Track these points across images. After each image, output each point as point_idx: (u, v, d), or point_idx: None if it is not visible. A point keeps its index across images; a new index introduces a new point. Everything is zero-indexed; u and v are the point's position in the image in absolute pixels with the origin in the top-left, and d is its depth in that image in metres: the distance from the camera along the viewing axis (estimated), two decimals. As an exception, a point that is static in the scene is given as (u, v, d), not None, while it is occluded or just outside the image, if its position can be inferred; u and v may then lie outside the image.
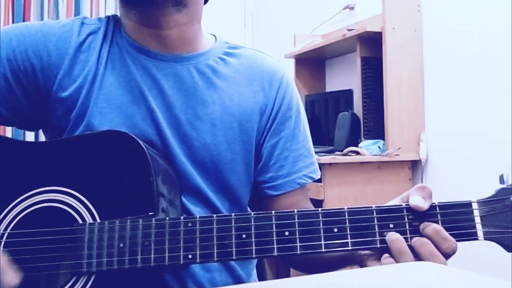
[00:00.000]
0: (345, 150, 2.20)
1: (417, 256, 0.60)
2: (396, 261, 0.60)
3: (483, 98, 1.95)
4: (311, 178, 0.86)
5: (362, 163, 2.12)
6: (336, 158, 2.08)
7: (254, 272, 0.90)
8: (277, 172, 0.83)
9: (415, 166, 2.23)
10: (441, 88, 2.15)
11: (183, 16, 0.77)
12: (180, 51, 0.79)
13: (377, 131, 2.27)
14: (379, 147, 2.20)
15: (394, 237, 0.61)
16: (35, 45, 0.75)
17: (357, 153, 2.15)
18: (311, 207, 0.88)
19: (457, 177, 2.06)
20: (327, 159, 2.05)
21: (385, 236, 0.61)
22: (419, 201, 0.61)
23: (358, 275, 0.47)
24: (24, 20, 2.73)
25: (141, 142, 0.67)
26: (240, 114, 0.81)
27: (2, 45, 0.74)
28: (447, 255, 0.60)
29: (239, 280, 0.82)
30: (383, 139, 2.21)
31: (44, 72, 0.75)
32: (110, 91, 0.75)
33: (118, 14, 0.84)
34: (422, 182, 2.18)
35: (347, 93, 2.49)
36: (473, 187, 1.97)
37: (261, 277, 0.98)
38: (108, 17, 0.82)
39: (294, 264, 0.89)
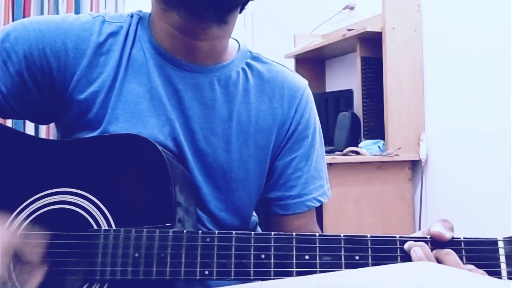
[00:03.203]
0: (345, 150, 2.20)
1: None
2: None
3: (483, 98, 1.95)
4: (319, 201, 0.83)
5: (362, 163, 2.12)
6: (336, 158, 2.08)
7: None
8: (287, 192, 0.81)
9: (415, 166, 2.23)
10: (441, 88, 2.15)
11: (220, 31, 0.74)
12: (205, 63, 0.77)
13: (377, 131, 2.27)
14: (379, 147, 2.20)
15: (417, 248, 0.60)
16: (53, 44, 0.72)
17: (357, 153, 2.15)
18: (318, 231, 0.86)
19: (457, 177, 2.06)
20: (327, 159, 2.04)
21: None
22: (440, 228, 0.60)
23: (358, 275, 0.46)
24: (24, 20, 2.73)
25: (160, 148, 0.65)
26: (256, 132, 0.79)
27: (20, 40, 0.72)
28: None
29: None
30: (383, 139, 2.21)
31: (61, 71, 0.73)
32: (129, 99, 0.73)
33: (143, 11, 0.80)
34: (422, 182, 2.19)
35: (347, 93, 2.49)
36: (473, 187, 1.97)
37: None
38: (131, 15, 0.79)
39: None
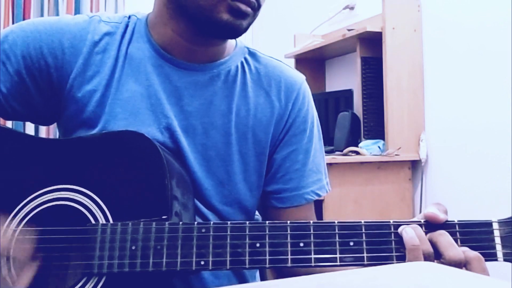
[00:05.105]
0: (345, 150, 2.20)
1: (435, 249, 0.58)
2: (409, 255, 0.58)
3: (483, 98, 1.95)
4: (317, 195, 0.84)
5: (362, 163, 2.12)
6: (336, 158, 2.08)
7: (257, 274, 0.91)
8: (285, 185, 0.82)
9: (415, 166, 2.23)
10: (441, 88, 2.15)
11: (222, 40, 0.79)
12: (205, 61, 0.79)
13: (377, 131, 2.27)
14: (379, 147, 2.20)
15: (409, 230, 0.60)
16: (50, 43, 0.74)
17: (357, 153, 2.15)
18: None
19: (457, 177, 2.06)
20: (327, 159, 2.04)
21: (402, 252, 0.59)
22: (434, 210, 0.61)
23: (358, 275, 0.47)
24: (24, 20, 2.73)
25: (156, 144, 0.66)
26: (255, 125, 0.80)
27: (17, 41, 0.74)
28: (453, 263, 0.57)
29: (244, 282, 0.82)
30: (383, 139, 2.21)
31: (58, 70, 0.74)
32: (127, 97, 0.74)
33: (141, 12, 0.81)
34: (422, 182, 2.19)
35: (347, 93, 2.49)
36: (473, 187, 1.97)
37: (262, 277, 0.98)
38: (129, 16, 0.80)
39: None
